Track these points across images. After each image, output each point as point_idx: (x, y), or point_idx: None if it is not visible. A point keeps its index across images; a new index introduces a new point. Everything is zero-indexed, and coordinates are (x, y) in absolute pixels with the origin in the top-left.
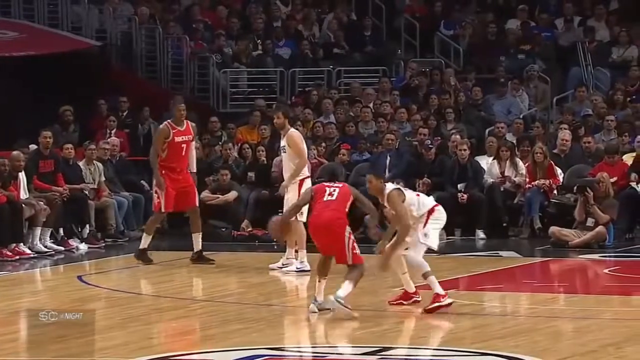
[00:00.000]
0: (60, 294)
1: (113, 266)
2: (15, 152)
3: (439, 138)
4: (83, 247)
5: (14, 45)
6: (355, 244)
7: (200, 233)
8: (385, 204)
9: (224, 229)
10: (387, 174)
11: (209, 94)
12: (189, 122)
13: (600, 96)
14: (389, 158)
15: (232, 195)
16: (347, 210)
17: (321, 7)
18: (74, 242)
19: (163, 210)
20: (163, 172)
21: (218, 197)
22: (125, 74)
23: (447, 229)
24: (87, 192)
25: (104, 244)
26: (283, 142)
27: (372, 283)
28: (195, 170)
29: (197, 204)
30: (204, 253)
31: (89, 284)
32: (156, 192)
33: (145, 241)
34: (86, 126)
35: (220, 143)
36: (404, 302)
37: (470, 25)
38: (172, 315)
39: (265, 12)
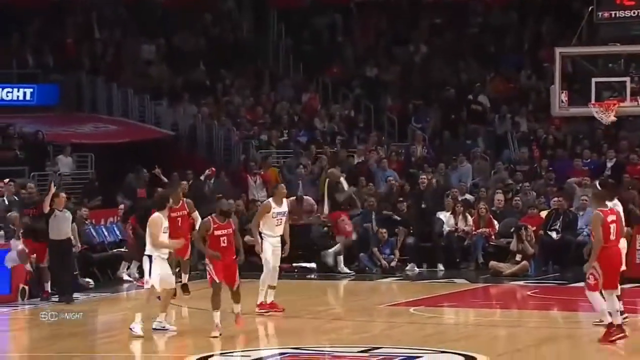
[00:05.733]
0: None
1: None
2: None
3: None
4: None
5: (114, 135)
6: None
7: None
8: None
9: None
10: None
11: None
12: (184, 200)
13: (522, 169)
14: None
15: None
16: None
17: (327, 106)
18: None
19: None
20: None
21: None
22: (191, 154)
23: (419, 263)
24: None
25: None
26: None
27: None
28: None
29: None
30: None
31: None
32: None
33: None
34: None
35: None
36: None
37: (433, 120)
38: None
39: (291, 109)
